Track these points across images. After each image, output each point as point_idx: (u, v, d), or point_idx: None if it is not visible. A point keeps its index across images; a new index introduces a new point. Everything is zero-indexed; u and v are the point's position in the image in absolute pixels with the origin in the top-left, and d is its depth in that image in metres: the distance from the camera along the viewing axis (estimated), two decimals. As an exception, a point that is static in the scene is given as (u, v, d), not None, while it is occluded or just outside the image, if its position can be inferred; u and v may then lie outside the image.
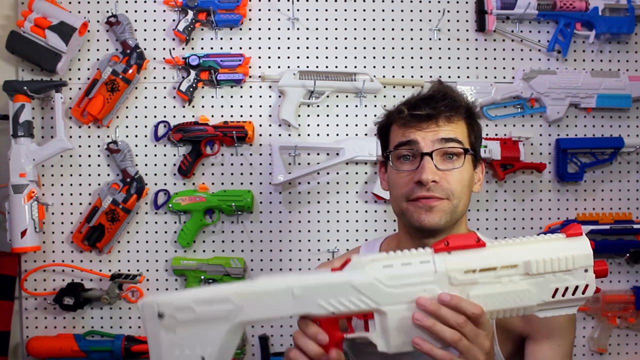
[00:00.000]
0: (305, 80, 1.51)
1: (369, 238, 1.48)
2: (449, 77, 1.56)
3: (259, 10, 1.55)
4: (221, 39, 1.55)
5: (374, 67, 1.56)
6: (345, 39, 1.56)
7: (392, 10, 1.56)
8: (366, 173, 1.55)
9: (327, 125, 1.56)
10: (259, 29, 1.55)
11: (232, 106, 1.55)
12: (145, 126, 1.54)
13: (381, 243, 1.13)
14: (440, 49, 1.56)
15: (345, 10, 1.56)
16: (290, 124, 1.52)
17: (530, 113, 1.56)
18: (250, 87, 1.55)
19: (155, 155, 1.54)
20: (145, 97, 1.54)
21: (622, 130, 1.59)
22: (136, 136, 1.54)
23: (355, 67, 1.55)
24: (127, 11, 1.53)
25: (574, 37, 1.55)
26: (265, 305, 0.73)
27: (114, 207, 1.47)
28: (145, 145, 1.54)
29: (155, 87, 1.54)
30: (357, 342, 1.05)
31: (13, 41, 1.47)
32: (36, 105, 1.52)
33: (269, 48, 1.55)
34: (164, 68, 1.54)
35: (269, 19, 1.55)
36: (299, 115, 1.54)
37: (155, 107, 1.54)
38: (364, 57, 1.56)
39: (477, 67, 1.57)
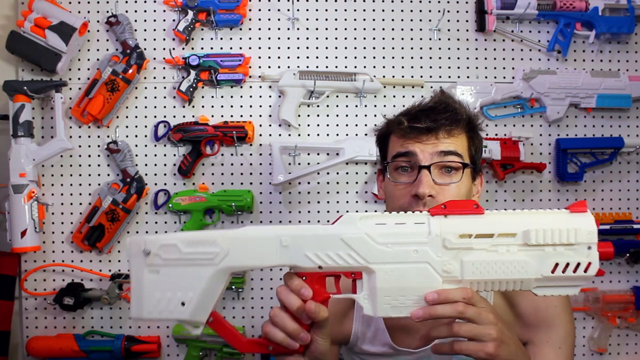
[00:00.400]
0: (305, 80, 1.51)
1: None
2: (449, 77, 1.56)
3: (259, 10, 1.55)
4: (221, 39, 1.55)
5: (374, 67, 1.56)
6: (345, 39, 1.56)
7: (392, 10, 1.56)
8: (366, 173, 1.55)
9: (327, 125, 1.56)
10: (259, 29, 1.55)
11: (232, 106, 1.55)
12: (145, 126, 1.54)
13: None
14: (440, 49, 1.57)
15: (345, 10, 1.56)
16: (290, 124, 1.52)
17: (530, 113, 1.56)
18: (250, 87, 1.55)
19: (155, 155, 1.54)
20: (145, 97, 1.54)
21: (622, 130, 1.59)
22: (136, 136, 1.54)
23: (355, 67, 1.55)
24: (127, 11, 1.53)
25: (574, 37, 1.56)
26: (252, 252, 0.72)
27: (114, 207, 1.47)
28: (145, 145, 1.54)
29: (155, 87, 1.54)
30: (351, 344, 1.06)
31: (13, 41, 1.47)
32: (36, 105, 1.52)
33: (269, 48, 1.55)
34: (164, 68, 1.54)
35: (269, 19, 1.55)
36: (299, 115, 1.54)
37: (155, 107, 1.54)
38: (364, 57, 1.56)
39: (477, 67, 1.57)
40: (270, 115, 1.55)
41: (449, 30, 1.57)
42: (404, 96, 1.55)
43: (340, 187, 1.56)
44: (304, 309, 0.71)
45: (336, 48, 1.56)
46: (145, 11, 1.54)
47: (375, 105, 1.55)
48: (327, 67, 1.55)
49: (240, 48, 1.55)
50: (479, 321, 0.71)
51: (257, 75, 1.54)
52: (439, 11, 1.54)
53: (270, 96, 1.55)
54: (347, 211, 1.55)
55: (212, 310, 0.73)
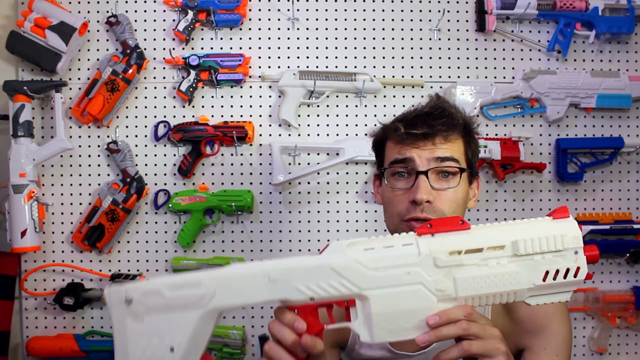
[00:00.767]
0: (305, 80, 1.51)
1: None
2: (449, 77, 1.56)
3: (259, 10, 1.55)
4: (221, 39, 1.55)
5: (374, 67, 1.56)
6: (345, 39, 1.56)
7: (392, 10, 1.56)
8: (366, 173, 1.55)
9: (327, 125, 1.56)
10: (259, 29, 1.55)
11: (232, 106, 1.55)
12: (145, 126, 1.54)
13: None
14: (440, 49, 1.57)
15: (345, 10, 1.56)
16: (290, 124, 1.52)
17: (530, 113, 1.56)
18: (250, 87, 1.55)
19: (155, 155, 1.54)
20: (145, 97, 1.54)
21: (622, 130, 1.59)
22: (136, 136, 1.54)
23: (355, 67, 1.55)
24: (127, 11, 1.53)
25: (574, 37, 1.55)
26: (240, 290, 0.70)
27: (114, 207, 1.47)
28: (145, 145, 1.54)
29: (155, 87, 1.54)
30: (349, 349, 1.06)
31: (13, 41, 1.47)
32: (36, 105, 1.52)
33: (269, 48, 1.55)
34: (164, 68, 1.54)
35: (269, 19, 1.55)
36: (299, 115, 1.54)
37: (155, 107, 1.54)
38: (364, 57, 1.56)
39: (477, 67, 1.57)
40: (270, 115, 1.55)
41: (449, 30, 1.57)
42: (404, 96, 1.55)
43: (340, 187, 1.56)
44: (299, 343, 0.69)
45: (336, 48, 1.56)
46: (145, 11, 1.54)
47: (375, 105, 1.55)
48: (327, 67, 1.55)
49: (240, 48, 1.55)
50: (485, 336, 0.71)
51: (257, 75, 1.54)
52: (439, 11, 1.54)
53: (270, 96, 1.55)
54: (347, 211, 1.55)
55: (203, 353, 0.71)
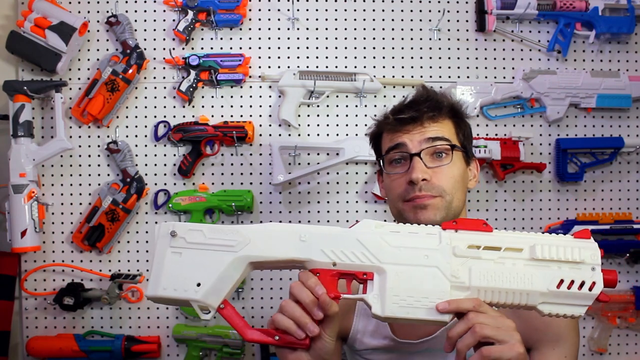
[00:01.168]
0: (305, 80, 1.51)
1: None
2: (449, 77, 1.56)
3: (259, 10, 1.55)
4: (221, 39, 1.55)
5: (374, 67, 1.56)
6: (345, 39, 1.56)
7: (392, 10, 1.56)
8: (366, 173, 1.55)
9: (327, 125, 1.56)
10: (259, 29, 1.55)
11: (232, 106, 1.55)
12: (145, 126, 1.54)
13: None
14: (440, 49, 1.57)
15: (345, 10, 1.56)
16: (290, 124, 1.52)
17: (530, 113, 1.56)
18: (250, 87, 1.55)
19: (155, 155, 1.54)
20: (145, 97, 1.54)
21: (622, 130, 1.59)
22: (136, 136, 1.54)
23: (355, 67, 1.55)
24: (127, 11, 1.53)
25: (574, 37, 1.55)
26: (272, 244, 0.75)
27: (114, 207, 1.47)
28: (145, 145, 1.54)
29: (155, 87, 1.54)
30: (350, 341, 1.06)
31: (13, 41, 1.47)
32: (36, 105, 1.52)
33: (269, 48, 1.55)
34: (164, 68, 1.54)
35: (269, 19, 1.55)
36: (299, 115, 1.54)
37: (155, 107, 1.54)
38: (364, 57, 1.56)
39: (477, 67, 1.57)
40: (270, 115, 1.55)
41: (449, 30, 1.57)
42: (404, 96, 1.52)
43: (340, 187, 1.56)
44: (316, 303, 0.73)
45: (336, 48, 1.56)
46: (145, 11, 1.54)
47: (375, 105, 1.55)
48: (327, 67, 1.55)
49: (240, 48, 1.55)
50: (497, 325, 0.71)
51: (257, 75, 1.54)
52: (439, 11, 1.54)
53: (270, 96, 1.55)
54: (347, 211, 1.55)
55: (225, 298, 0.76)
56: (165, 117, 1.54)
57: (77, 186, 1.53)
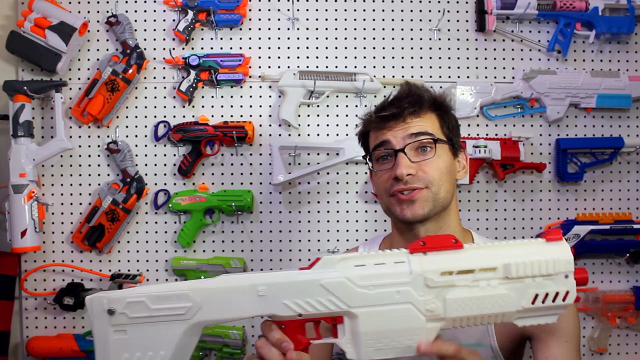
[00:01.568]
0: (305, 80, 1.51)
1: (368, 238, 1.48)
2: (449, 77, 1.56)
3: (259, 10, 1.55)
4: (221, 39, 1.55)
5: (374, 67, 1.56)
6: (345, 39, 1.56)
7: (392, 10, 1.56)
8: (366, 173, 1.55)
9: (327, 125, 1.56)
10: (259, 29, 1.55)
11: (232, 106, 1.55)
12: (145, 126, 1.54)
13: (381, 242, 1.14)
14: (440, 49, 1.56)
15: (345, 10, 1.56)
16: (290, 124, 1.52)
17: (530, 113, 1.56)
18: (250, 87, 1.55)
19: (155, 155, 1.54)
20: (145, 97, 1.54)
21: (622, 130, 1.59)
22: (136, 136, 1.54)
23: (355, 67, 1.55)
24: (127, 11, 1.53)
25: (574, 37, 1.55)
26: (227, 304, 0.69)
27: (114, 207, 1.47)
28: (145, 145, 1.54)
29: (155, 87, 1.54)
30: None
31: (13, 41, 1.47)
32: (36, 105, 1.52)
33: (269, 48, 1.55)
34: (164, 68, 1.54)
35: (269, 19, 1.55)
36: (299, 115, 1.54)
37: (155, 107, 1.54)
38: (364, 57, 1.56)
39: (477, 67, 1.57)
40: (270, 115, 1.55)
41: (449, 30, 1.57)
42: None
43: (340, 187, 1.56)
44: None
45: (336, 48, 1.56)
46: (145, 11, 1.54)
47: (375, 106, 1.54)
48: (327, 67, 1.55)
49: (240, 48, 1.55)
50: None
51: (257, 75, 1.54)
52: (439, 11, 1.54)
53: (270, 96, 1.55)
54: (347, 211, 1.55)
55: None
56: (165, 117, 1.54)
57: (77, 186, 1.53)
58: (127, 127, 1.54)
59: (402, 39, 1.56)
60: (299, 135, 1.55)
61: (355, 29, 1.56)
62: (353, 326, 0.70)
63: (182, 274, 1.51)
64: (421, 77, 1.56)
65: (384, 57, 1.56)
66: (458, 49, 1.57)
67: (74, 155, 1.53)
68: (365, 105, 1.55)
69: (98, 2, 1.53)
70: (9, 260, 1.48)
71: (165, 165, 1.54)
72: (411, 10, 1.56)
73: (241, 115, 1.54)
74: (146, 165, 1.54)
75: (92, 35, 1.53)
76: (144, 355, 0.68)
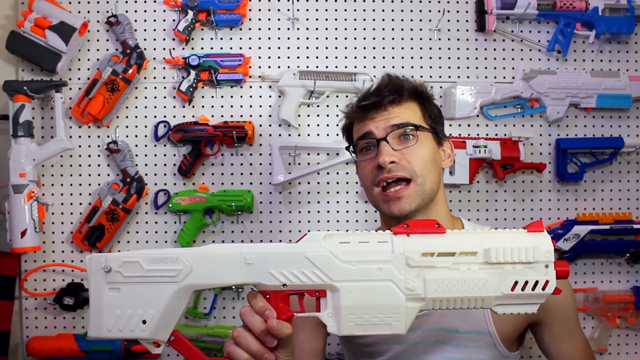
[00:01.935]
0: (305, 80, 1.51)
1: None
2: (449, 77, 1.56)
3: (259, 10, 1.55)
4: (221, 39, 1.55)
5: (374, 67, 1.56)
6: (345, 39, 1.56)
7: (392, 10, 1.56)
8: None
9: (327, 125, 1.56)
10: (259, 29, 1.55)
11: (232, 106, 1.55)
12: (145, 126, 1.54)
13: None
14: (440, 49, 1.56)
15: (345, 10, 1.56)
16: (290, 124, 1.52)
17: (530, 113, 1.56)
18: (250, 87, 1.55)
19: (155, 155, 1.54)
20: (145, 97, 1.54)
21: (622, 130, 1.59)
22: (136, 136, 1.54)
23: (355, 67, 1.55)
24: (127, 11, 1.53)
25: (574, 37, 1.55)
26: (216, 269, 0.72)
27: (114, 207, 1.47)
28: (145, 145, 1.54)
29: (155, 87, 1.54)
30: (354, 342, 1.06)
31: (13, 41, 1.47)
32: (36, 105, 1.52)
33: (269, 48, 1.55)
34: (164, 68, 1.54)
35: (269, 19, 1.55)
36: (299, 115, 1.54)
37: (155, 107, 1.54)
38: (364, 57, 1.56)
39: (477, 67, 1.57)
40: (270, 115, 1.55)
41: (449, 30, 1.57)
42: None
43: (340, 187, 1.56)
44: (267, 331, 0.71)
45: (336, 48, 1.56)
46: (145, 11, 1.54)
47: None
48: (327, 67, 1.55)
49: (240, 48, 1.55)
50: None
51: (257, 75, 1.54)
52: (439, 11, 1.54)
53: (270, 96, 1.55)
54: (347, 211, 1.55)
55: (174, 329, 0.74)
56: (165, 117, 1.54)
57: (77, 186, 1.53)
58: (127, 127, 1.54)
59: (402, 39, 1.56)
60: (299, 135, 1.55)
61: (355, 29, 1.56)
62: (335, 300, 0.72)
63: (182, 274, 1.50)
64: (421, 77, 1.56)
65: (384, 57, 1.56)
66: (458, 49, 1.57)
67: (74, 155, 1.53)
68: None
69: (98, 2, 1.53)
70: (9, 260, 1.48)
71: (165, 165, 1.54)
72: (411, 10, 1.56)
73: (241, 115, 1.54)
74: (146, 165, 1.54)
75: (92, 35, 1.53)
76: (135, 313, 0.72)
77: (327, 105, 1.55)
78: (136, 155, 1.53)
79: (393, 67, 1.56)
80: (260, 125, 1.54)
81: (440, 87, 1.55)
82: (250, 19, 1.55)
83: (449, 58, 1.56)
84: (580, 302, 1.54)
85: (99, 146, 1.54)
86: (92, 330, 0.72)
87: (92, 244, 1.49)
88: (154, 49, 1.54)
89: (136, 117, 1.54)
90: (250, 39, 1.55)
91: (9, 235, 1.44)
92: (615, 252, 1.53)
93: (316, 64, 1.55)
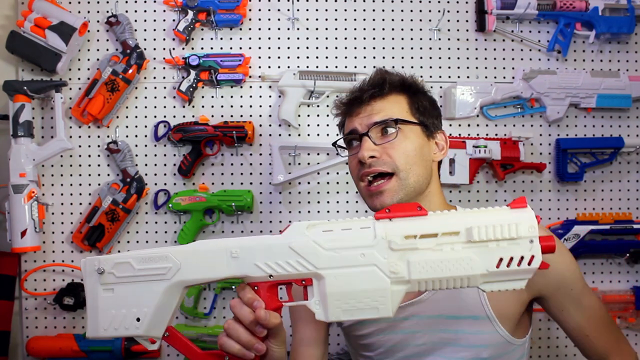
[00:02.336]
0: (305, 80, 1.51)
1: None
2: (449, 77, 1.56)
3: (259, 10, 1.55)
4: (221, 39, 1.55)
5: (374, 67, 1.55)
6: (345, 39, 1.56)
7: (392, 10, 1.56)
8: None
9: (327, 125, 1.56)
10: (259, 29, 1.55)
11: (232, 106, 1.55)
12: (145, 126, 1.54)
13: None
14: (440, 49, 1.57)
15: (345, 10, 1.56)
16: (290, 124, 1.52)
17: (530, 113, 1.56)
18: (250, 87, 1.55)
19: (155, 155, 1.54)
20: (145, 97, 1.54)
21: (622, 130, 1.59)
22: (136, 136, 1.54)
23: (355, 67, 1.55)
24: (127, 11, 1.53)
25: (574, 37, 1.55)
26: (203, 265, 0.74)
27: (114, 207, 1.47)
28: (145, 145, 1.54)
29: (155, 87, 1.54)
30: (353, 336, 1.06)
31: (13, 41, 1.47)
32: (36, 105, 1.52)
33: (269, 48, 1.55)
34: (164, 68, 1.54)
35: (269, 19, 1.55)
36: (299, 115, 1.54)
37: (155, 107, 1.54)
38: (364, 57, 1.56)
39: (477, 67, 1.57)
40: (270, 115, 1.55)
41: (449, 30, 1.57)
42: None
43: (340, 187, 1.56)
44: (257, 321, 0.73)
45: (336, 48, 1.56)
46: (145, 11, 1.54)
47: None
48: (327, 67, 1.55)
49: (240, 48, 1.55)
50: None
51: (257, 75, 1.54)
52: (439, 11, 1.54)
53: (270, 96, 1.55)
54: (347, 211, 1.55)
55: (168, 325, 0.76)
56: (165, 117, 1.54)
57: (77, 186, 1.53)
58: (127, 127, 1.54)
59: (402, 39, 1.56)
60: (299, 135, 1.55)
61: (355, 29, 1.56)
62: (321, 287, 0.74)
63: (182, 274, 1.51)
64: (421, 77, 1.55)
65: (384, 57, 1.56)
66: (458, 49, 1.57)
67: (74, 155, 1.53)
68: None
69: (98, 2, 1.53)
70: (9, 260, 1.48)
71: (165, 165, 1.54)
72: (411, 10, 1.56)
73: (241, 115, 1.54)
74: (146, 165, 1.54)
75: (92, 35, 1.53)
76: (129, 311, 0.74)
77: (327, 105, 1.55)
78: (136, 155, 1.53)
79: (393, 67, 1.55)
80: (260, 125, 1.54)
81: (440, 87, 1.55)
82: (250, 19, 1.55)
83: (449, 58, 1.56)
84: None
85: (99, 146, 1.54)
86: (90, 331, 0.75)
87: (92, 244, 1.49)
88: (154, 49, 1.54)
89: (136, 117, 1.54)
90: (250, 39, 1.55)
91: (9, 235, 1.44)
92: (615, 252, 1.53)
93: (316, 64, 1.55)
